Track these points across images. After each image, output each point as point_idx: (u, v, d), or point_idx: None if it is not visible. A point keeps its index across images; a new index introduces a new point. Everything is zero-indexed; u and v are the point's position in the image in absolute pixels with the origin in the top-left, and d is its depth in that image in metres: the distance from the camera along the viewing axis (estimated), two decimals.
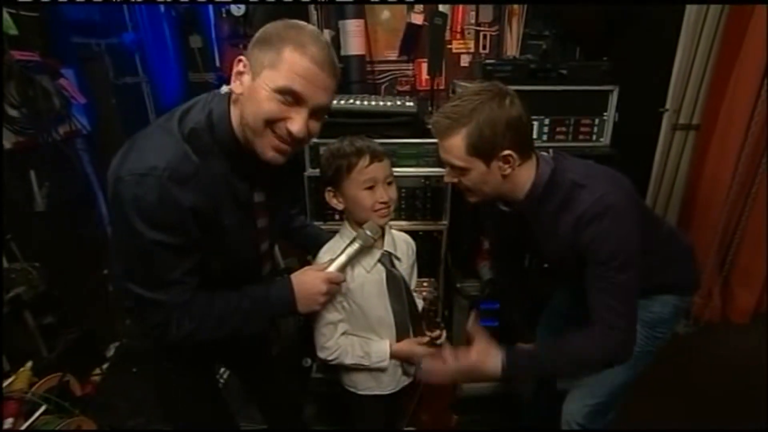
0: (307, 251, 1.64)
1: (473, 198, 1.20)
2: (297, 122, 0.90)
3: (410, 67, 2.35)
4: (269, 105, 0.88)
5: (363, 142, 1.18)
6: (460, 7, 2.21)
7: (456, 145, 1.09)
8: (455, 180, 1.17)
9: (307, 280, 1.12)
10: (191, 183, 0.90)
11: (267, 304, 1.09)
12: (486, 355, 1.14)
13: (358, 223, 1.20)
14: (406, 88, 2.37)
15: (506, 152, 1.09)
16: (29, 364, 1.74)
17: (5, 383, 1.65)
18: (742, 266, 2.47)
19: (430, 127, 1.74)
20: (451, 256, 1.94)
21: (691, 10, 2.11)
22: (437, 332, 1.30)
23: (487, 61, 1.71)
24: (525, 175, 1.15)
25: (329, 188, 1.21)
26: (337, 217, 1.74)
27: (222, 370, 1.94)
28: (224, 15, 2.41)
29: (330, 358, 1.24)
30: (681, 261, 1.35)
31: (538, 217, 1.20)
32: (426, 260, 1.81)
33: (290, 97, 0.89)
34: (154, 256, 0.91)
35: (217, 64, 2.57)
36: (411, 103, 1.73)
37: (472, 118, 1.06)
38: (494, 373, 1.13)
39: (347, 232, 1.23)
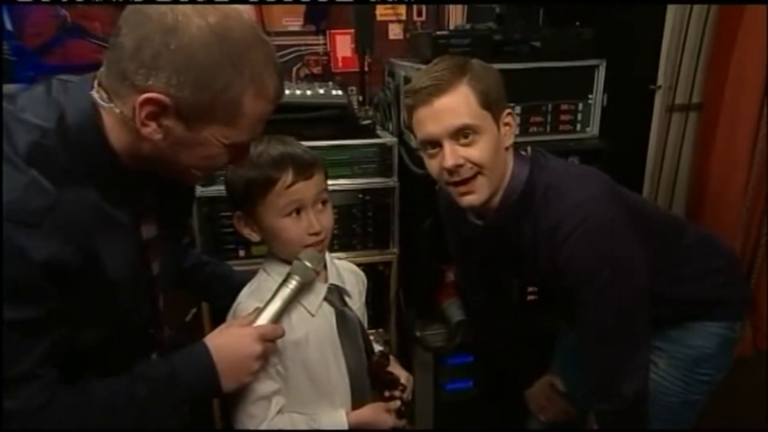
0: (209, 300, 1.65)
1: (482, 192, 1.23)
2: (245, 158, 1.03)
3: (321, 41, 2.34)
4: (222, 158, 0.97)
5: (284, 149, 1.17)
6: None
7: (465, 95, 1.18)
8: (461, 162, 1.20)
9: (231, 342, 1.08)
10: (45, 224, 0.83)
11: (174, 385, 1.03)
12: None
13: (283, 261, 1.20)
14: (317, 69, 2.35)
15: (507, 111, 1.25)
16: None
17: None
18: None
19: (365, 122, 1.77)
20: (405, 295, 1.97)
21: None
22: (400, 388, 1.30)
23: (439, 32, 1.75)
24: (508, 168, 1.28)
25: (238, 213, 1.21)
26: (242, 253, 1.74)
27: None
28: None
29: None
30: (720, 275, 1.44)
31: (514, 231, 1.30)
32: (371, 303, 1.79)
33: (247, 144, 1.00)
34: None
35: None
36: (339, 92, 1.76)
37: (468, 69, 1.20)
38: None
39: (276, 266, 1.22)
